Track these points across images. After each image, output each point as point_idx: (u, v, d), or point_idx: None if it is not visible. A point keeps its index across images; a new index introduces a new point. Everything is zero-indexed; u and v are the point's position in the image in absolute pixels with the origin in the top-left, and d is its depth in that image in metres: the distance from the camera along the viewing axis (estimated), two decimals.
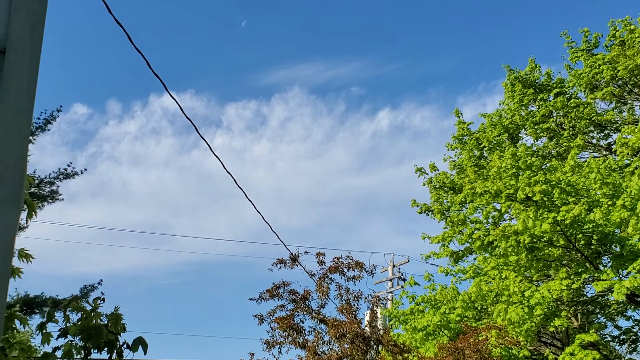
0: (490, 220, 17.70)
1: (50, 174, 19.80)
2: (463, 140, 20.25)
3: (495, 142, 19.25)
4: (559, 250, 14.84)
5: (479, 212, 18.29)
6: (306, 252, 26.55)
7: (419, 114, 66.22)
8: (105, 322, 4.65)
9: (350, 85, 67.94)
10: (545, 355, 15.77)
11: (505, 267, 15.57)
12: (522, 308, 13.97)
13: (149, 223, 59.61)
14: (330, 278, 25.72)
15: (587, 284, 16.00)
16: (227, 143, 61.85)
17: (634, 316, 18.48)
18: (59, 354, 4.50)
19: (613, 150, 18.30)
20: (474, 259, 18.75)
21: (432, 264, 26.20)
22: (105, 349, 4.54)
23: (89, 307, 4.78)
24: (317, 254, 26.59)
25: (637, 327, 18.66)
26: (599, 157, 18.46)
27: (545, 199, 14.74)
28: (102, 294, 4.93)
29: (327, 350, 22.77)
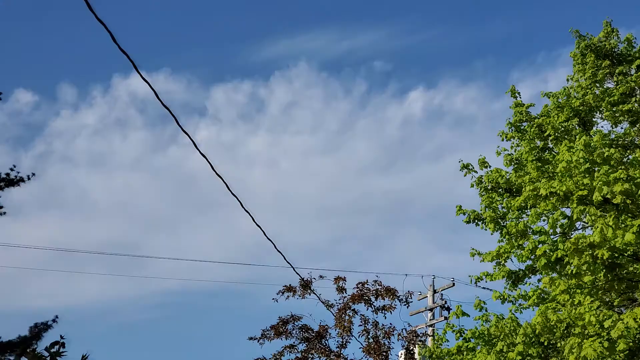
0: (559, 230, 17.53)
1: None
2: (521, 127, 20.08)
3: (562, 129, 19.06)
4: None
5: (543, 220, 18.13)
6: (321, 276, 26.36)
7: (462, 94, 65.81)
8: None
9: (372, 58, 67.74)
10: None
11: (578, 291, 15.33)
12: (600, 342, 13.74)
13: (116, 242, 59.78)
14: (353, 309, 25.61)
15: None
16: (215, 136, 61.87)
17: None
18: None
19: None
20: (538, 280, 18.60)
21: (484, 288, 25.84)
22: None
23: (46, 355, 4.59)
24: (335, 279, 26.42)
25: None
26: None
27: (628, 201, 14.52)
28: (62, 337, 4.73)
29: None
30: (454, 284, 28.35)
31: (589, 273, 14.96)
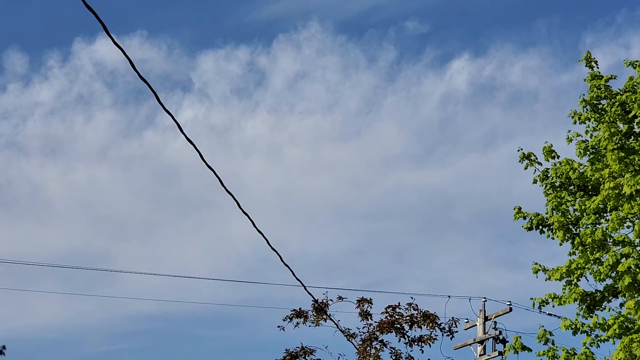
0: None
1: None
2: (599, 106, 19.98)
3: None
4: None
5: (627, 227, 18.04)
6: (340, 297, 26.42)
7: (519, 63, 65.51)
8: None
9: (403, 18, 67.55)
10: None
11: None
12: None
13: (77, 252, 59.87)
14: (382, 340, 25.66)
15: None
16: (203, 118, 61.92)
17: None
18: None
19: None
20: (621, 305, 18.54)
21: (550, 315, 25.79)
22: None
23: None
24: (358, 301, 26.44)
25: None
26: None
27: None
28: None
29: None
30: (511, 309, 28.25)
31: None
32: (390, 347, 24.84)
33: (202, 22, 70.04)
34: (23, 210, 62.95)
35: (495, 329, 28.21)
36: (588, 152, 19.66)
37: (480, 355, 28.22)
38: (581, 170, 19.30)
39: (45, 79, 63.12)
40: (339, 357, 25.09)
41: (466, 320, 28.37)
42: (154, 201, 64.57)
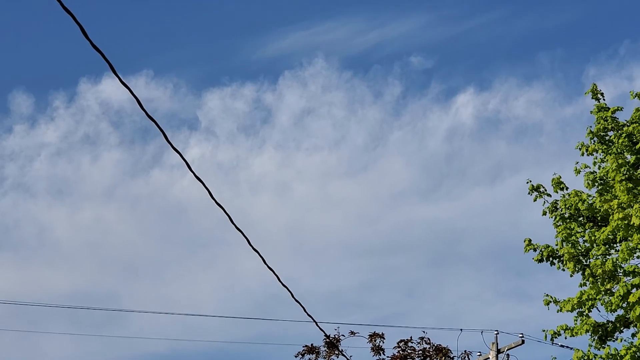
0: None
1: None
2: (607, 137, 19.98)
3: None
4: None
5: (638, 258, 17.99)
6: (352, 332, 26.39)
7: (524, 96, 65.74)
8: None
9: (408, 53, 67.91)
10: None
11: None
12: None
13: (86, 293, 59.84)
14: None
15: None
16: (210, 155, 62.13)
17: None
18: None
19: None
20: (633, 335, 18.44)
21: (563, 346, 25.67)
22: None
23: None
24: (370, 336, 26.42)
25: None
26: None
27: None
28: None
29: None
30: (523, 342, 28.13)
31: None
32: None
33: (207, 60, 70.41)
34: (31, 251, 63.00)
35: None
36: (596, 184, 19.65)
37: None
38: (590, 202, 19.29)
39: (51, 119, 63.42)
40: None
41: (479, 354, 28.25)
42: (162, 240, 64.56)
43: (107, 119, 64.83)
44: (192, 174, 9.80)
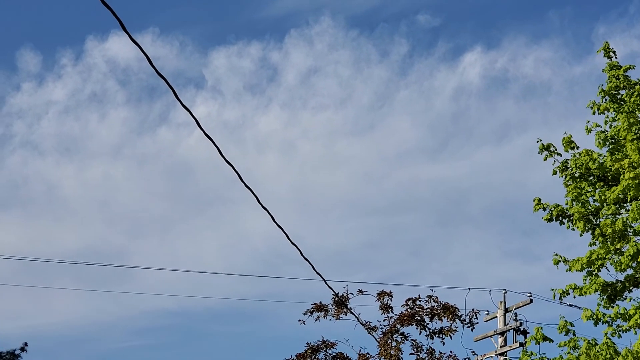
0: None
1: None
2: (618, 96, 19.87)
3: None
4: None
5: None
6: (361, 291, 26.30)
7: (532, 55, 65.27)
8: None
9: (415, 11, 67.39)
10: None
11: None
12: None
13: (94, 250, 59.94)
14: (402, 333, 25.60)
15: None
16: (216, 114, 62.00)
17: None
18: None
19: None
20: None
21: (570, 306, 25.73)
22: None
23: None
24: (378, 294, 26.36)
25: None
26: None
27: None
28: None
29: None
30: (531, 300, 28.15)
31: None
32: (411, 340, 24.80)
33: (213, 19, 70.17)
34: (39, 208, 63.21)
35: (516, 320, 28.12)
36: (607, 143, 19.56)
37: (501, 346, 28.12)
38: (601, 161, 19.21)
39: (58, 77, 63.35)
40: (360, 350, 25.04)
41: (486, 312, 28.31)
42: (169, 198, 64.71)
43: (114, 77, 64.76)
44: (200, 131, 9.72)
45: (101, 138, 64.08)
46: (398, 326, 24.79)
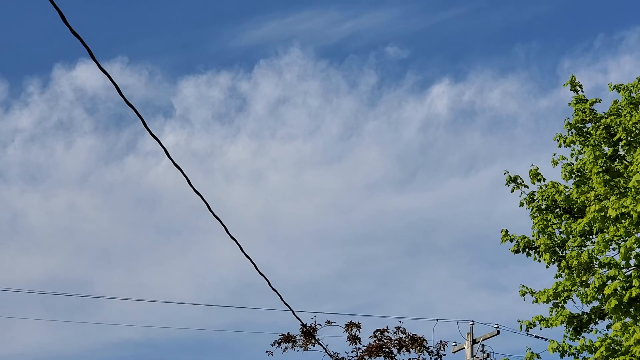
0: (634, 262, 17.44)
1: None
2: (584, 129, 20.03)
3: (638, 131, 19.01)
4: None
5: (613, 249, 18.03)
6: (329, 322, 26.33)
7: (499, 88, 65.90)
8: None
9: (384, 43, 67.82)
10: None
11: None
12: None
13: (58, 279, 59.51)
14: None
15: None
16: (184, 143, 61.94)
17: None
18: None
19: None
20: (608, 327, 18.51)
21: (537, 337, 25.77)
22: None
23: None
24: (346, 325, 26.36)
25: None
26: None
27: None
28: None
29: None
30: (498, 332, 28.21)
31: None
32: None
33: (183, 48, 70.17)
34: (4, 236, 62.56)
35: (483, 351, 28.15)
36: (573, 175, 19.70)
37: None
38: (567, 193, 19.34)
39: (25, 105, 63.00)
40: None
41: (454, 344, 28.32)
42: (136, 227, 64.29)
43: (82, 105, 64.51)
44: (168, 160, 9.72)
45: (67, 166, 63.75)
46: (366, 358, 24.74)
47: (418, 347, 24.94)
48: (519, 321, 19.18)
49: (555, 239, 19.04)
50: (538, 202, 19.74)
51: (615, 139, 19.17)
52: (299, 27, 67.55)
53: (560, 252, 18.87)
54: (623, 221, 16.66)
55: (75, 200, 62.94)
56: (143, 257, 62.89)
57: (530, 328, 19.02)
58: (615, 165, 19.02)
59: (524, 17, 67.04)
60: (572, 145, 20.07)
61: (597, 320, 18.84)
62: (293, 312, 16.39)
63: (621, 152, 19.38)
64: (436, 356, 25.47)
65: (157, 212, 62.31)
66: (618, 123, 19.10)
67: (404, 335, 25.03)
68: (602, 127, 19.43)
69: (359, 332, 25.28)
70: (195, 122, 65.50)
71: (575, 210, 19.18)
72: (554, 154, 20.15)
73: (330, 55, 69.43)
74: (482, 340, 28.42)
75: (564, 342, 18.25)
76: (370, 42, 67.61)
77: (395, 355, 24.86)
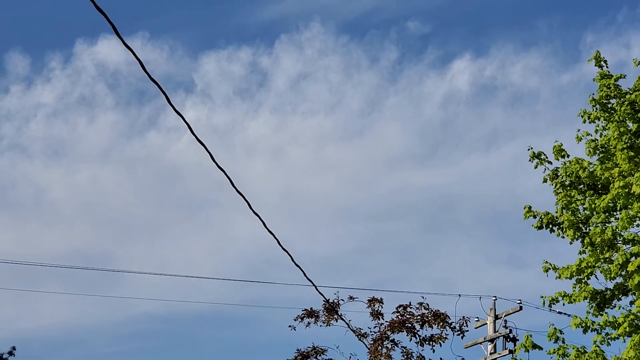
0: None
1: None
2: (609, 105, 19.90)
3: None
4: None
5: (637, 226, 17.97)
6: (351, 297, 26.34)
7: (521, 63, 65.41)
8: None
9: (405, 18, 67.46)
10: None
11: None
12: None
13: (81, 253, 59.78)
14: (393, 340, 25.57)
15: None
16: (204, 118, 61.98)
17: None
18: None
19: None
20: (631, 303, 18.45)
21: (560, 313, 25.69)
22: None
23: None
24: (369, 301, 26.36)
25: None
26: None
27: None
28: None
29: None
30: (521, 308, 28.14)
31: None
32: (402, 347, 24.79)
33: (204, 23, 70.09)
34: (27, 211, 62.94)
35: (506, 327, 28.10)
36: (598, 151, 19.61)
37: (490, 353, 28.11)
38: (591, 169, 19.26)
39: (47, 80, 63.15)
40: (350, 357, 25.04)
41: (476, 319, 28.28)
42: (157, 202, 64.47)
43: (103, 81, 64.70)
44: (189, 135, 9.74)
45: (89, 142, 63.95)
46: (388, 333, 24.77)
47: (441, 323, 24.94)
48: (542, 297, 19.18)
49: (579, 215, 19.00)
50: (562, 178, 19.67)
51: None
52: (320, 2, 67.39)
53: (584, 228, 18.84)
54: None
55: (97, 176, 63.24)
56: (164, 232, 63.19)
57: (553, 304, 19.02)
58: None
59: None
60: (596, 121, 19.95)
61: (620, 296, 18.80)
62: (316, 287, 16.44)
63: None
64: (459, 332, 25.48)
65: (179, 187, 62.53)
66: None
67: (427, 311, 25.03)
68: (626, 103, 19.32)
69: (382, 307, 25.29)
70: (216, 98, 65.57)
71: (600, 186, 19.11)
72: (578, 130, 20.03)
73: (351, 30, 69.28)
74: (505, 316, 28.37)
75: (587, 317, 18.24)
76: (391, 16, 67.41)
77: (418, 330, 24.88)
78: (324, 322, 25.17)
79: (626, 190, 17.02)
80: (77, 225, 63.07)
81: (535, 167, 20.11)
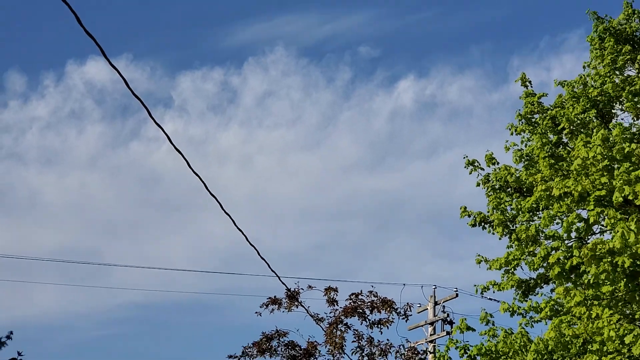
0: (574, 235, 17.55)
1: None
2: (533, 120, 20.13)
3: (578, 122, 19.12)
4: None
5: (557, 224, 18.16)
6: (310, 286, 26.34)
7: (457, 83, 66.09)
8: None
9: (357, 43, 67.83)
10: None
11: (596, 302, 15.38)
12: None
13: (72, 248, 59.47)
14: (346, 324, 25.62)
15: None
16: (181, 130, 61.84)
17: None
18: None
19: None
20: (552, 290, 18.68)
21: (490, 299, 26.02)
22: None
23: None
24: (325, 289, 26.37)
25: None
26: None
27: None
28: (19, 353, 4.76)
29: None
30: (457, 295, 28.42)
31: (608, 283, 14.99)
32: (354, 329, 24.82)
33: (181, 46, 70.14)
34: (23, 212, 62.50)
35: (444, 312, 28.39)
36: (523, 159, 19.80)
37: (430, 335, 28.34)
38: (517, 175, 19.44)
39: (41, 96, 62.86)
40: (309, 339, 25.05)
41: (419, 305, 28.54)
42: (140, 204, 64.33)
43: (91, 97, 64.37)
44: (168, 145, 9.75)
45: (79, 151, 63.67)
46: (342, 317, 24.81)
47: (388, 308, 25.01)
48: (475, 286, 19.31)
49: (507, 215, 19.17)
50: (492, 182, 19.86)
51: (559, 128, 19.26)
52: (284, 29, 67.57)
53: (511, 226, 19.00)
54: (565, 199, 16.76)
55: (86, 180, 62.90)
56: (146, 230, 62.96)
57: (485, 291, 19.15)
58: (559, 151, 19.13)
59: (479, 20, 67.33)
60: (522, 133, 20.17)
61: (542, 284, 18.99)
62: (279, 277, 16.45)
63: (564, 140, 19.50)
64: (403, 316, 25.56)
65: (159, 191, 62.33)
66: (562, 114, 19.18)
67: (376, 298, 25.08)
68: (548, 117, 19.54)
69: (337, 295, 25.31)
70: (192, 112, 65.47)
71: (525, 189, 19.31)
72: (506, 141, 20.25)
73: (310, 54, 69.52)
74: (443, 302, 28.64)
75: (513, 303, 18.39)
76: (346, 42, 67.79)
77: (368, 315, 24.93)
78: (286, 309, 25.14)
79: (547, 193, 17.17)
80: (67, 225, 62.68)
81: (470, 173, 20.29)
